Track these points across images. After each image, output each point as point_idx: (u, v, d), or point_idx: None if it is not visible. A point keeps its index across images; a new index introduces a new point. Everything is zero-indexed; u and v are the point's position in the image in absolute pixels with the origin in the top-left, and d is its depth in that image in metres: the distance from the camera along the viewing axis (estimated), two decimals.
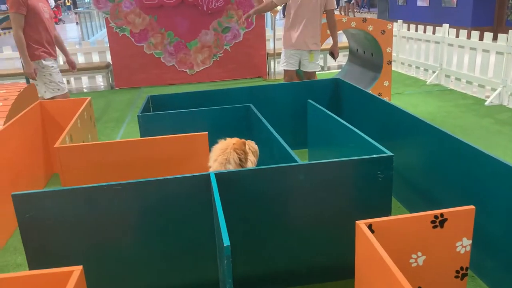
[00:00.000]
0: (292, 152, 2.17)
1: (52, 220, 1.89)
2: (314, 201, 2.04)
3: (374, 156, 2.07)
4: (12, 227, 2.87)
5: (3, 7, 22.20)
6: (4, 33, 18.93)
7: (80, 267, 1.33)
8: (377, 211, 2.12)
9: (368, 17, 5.28)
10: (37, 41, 3.90)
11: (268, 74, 7.33)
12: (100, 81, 7.66)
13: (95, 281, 1.90)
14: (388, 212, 2.15)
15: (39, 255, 1.93)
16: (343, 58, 8.09)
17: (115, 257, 2.00)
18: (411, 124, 2.74)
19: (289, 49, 4.35)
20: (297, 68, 4.47)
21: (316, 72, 4.54)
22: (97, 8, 6.79)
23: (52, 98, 4.03)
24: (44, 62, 3.99)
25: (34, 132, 3.46)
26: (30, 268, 1.93)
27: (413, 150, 2.75)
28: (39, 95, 4.15)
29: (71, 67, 4.37)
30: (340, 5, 17.83)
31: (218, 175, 1.94)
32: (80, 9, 17.35)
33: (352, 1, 17.24)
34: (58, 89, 4.08)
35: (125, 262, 2.01)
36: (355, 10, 17.45)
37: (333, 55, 4.52)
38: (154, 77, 7.13)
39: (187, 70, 7.23)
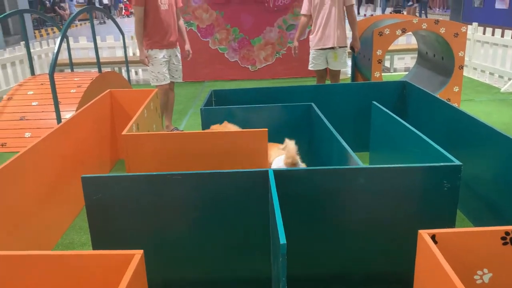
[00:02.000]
0: (354, 154, 2.12)
1: (117, 204, 1.98)
2: (374, 206, 1.98)
3: (442, 164, 1.97)
4: (79, 207, 3.05)
5: (81, 0, 23.57)
6: (80, 24, 20.09)
7: (141, 251, 1.38)
8: (440, 222, 2.02)
9: (441, 19, 5.05)
10: (148, 32, 4.15)
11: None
12: None
13: (153, 265, 1.97)
14: (452, 224, 2.04)
15: (103, 235, 2.03)
16: (410, 60, 7.82)
17: (172, 243, 2.06)
18: (482, 133, 2.59)
19: (313, 49, 4.57)
20: (324, 67, 4.63)
21: (382, 74, 4.46)
22: None
23: (157, 86, 4.24)
24: (150, 52, 4.20)
25: (103, 119, 3.65)
26: (94, 248, 2.04)
27: (483, 160, 2.59)
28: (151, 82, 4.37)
29: (184, 57, 4.57)
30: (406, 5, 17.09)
31: (277, 172, 1.94)
32: None
33: (414, 5, 16.06)
34: (158, 79, 4.26)
35: (181, 249, 2.06)
36: (416, 14, 16.22)
37: (354, 49, 4.63)
38: (217, 72, 7.26)
39: (249, 66, 7.29)
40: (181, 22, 4.51)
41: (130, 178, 1.97)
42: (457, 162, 2.00)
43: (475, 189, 2.66)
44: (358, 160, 2.06)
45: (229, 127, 2.80)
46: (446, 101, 3.15)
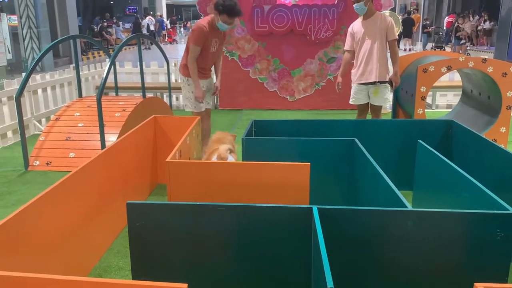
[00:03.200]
0: (401, 196, 2.06)
1: (159, 231, 1.99)
2: (422, 252, 1.90)
3: (495, 212, 1.88)
4: (118, 230, 3.08)
5: (127, 25, 24.62)
6: (125, 49, 20.88)
7: (185, 285, 1.36)
8: (491, 274, 1.92)
9: (486, 56, 4.94)
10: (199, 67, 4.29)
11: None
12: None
13: None
14: (504, 276, 1.93)
15: (143, 262, 2.03)
16: (453, 97, 7.66)
17: (210, 275, 2.03)
18: None
19: (354, 83, 4.61)
20: (365, 102, 4.62)
21: (424, 111, 4.40)
22: None
23: (192, 113, 4.39)
24: (190, 79, 4.34)
25: (146, 143, 3.72)
26: (133, 274, 2.04)
27: None
28: (185, 108, 4.50)
29: (214, 91, 4.67)
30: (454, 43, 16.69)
31: (321, 210, 1.90)
32: None
33: (466, 43, 15.70)
34: (195, 107, 4.40)
35: (220, 282, 2.04)
36: (467, 53, 15.66)
37: (391, 84, 4.58)
38: (255, 100, 7.33)
39: (288, 97, 7.33)
40: (221, 61, 4.66)
41: (174, 207, 1.98)
42: (511, 210, 1.90)
43: None
44: (406, 202, 2.00)
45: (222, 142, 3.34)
46: (495, 143, 3.04)
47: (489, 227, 1.87)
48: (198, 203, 1.96)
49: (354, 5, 4.45)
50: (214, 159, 3.13)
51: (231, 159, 3.14)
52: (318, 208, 1.90)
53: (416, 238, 1.89)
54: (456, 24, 16.37)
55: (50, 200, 2.22)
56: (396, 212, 1.88)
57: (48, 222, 2.22)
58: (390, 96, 4.64)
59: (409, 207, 1.95)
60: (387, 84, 4.51)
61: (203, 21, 4.18)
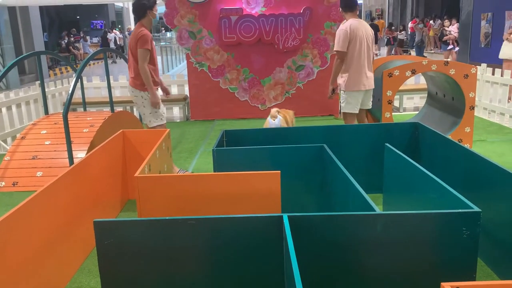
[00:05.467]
0: (370, 200, 2.09)
1: (129, 249, 1.95)
2: (391, 254, 1.93)
3: (460, 210, 1.93)
4: (89, 249, 3.01)
5: (95, 40, 24.30)
6: (93, 64, 20.58)
7: None
8: (460, 271, 1.96)
9: (449, 60, 5.09)
10: (151, 73, 4.20)
11: (340, 113, 7.25)
12: (176, 112, 8.02)
13: None
14: (472, 273, 1.97)
15: (114, 281, 1.99)
16: (419, 100, 7.85)
17: None
18: (497, 175, 2.54)
19: (352, 90, 4.52)
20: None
21: (392, 114, 4.50)
22: (180, 44, 7.18)
23: (155, 127, 4.30)
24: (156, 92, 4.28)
25: (115, 159, 3.66)
26: None
27: (501, 204, 2.54)
28: (143, 123, 4.39)
29: (166, 94, 4.65)
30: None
31: (291, 218, 1.91)
32: (162, 43, 18.51)
33: (455, 48, 13.58)
34: (162, 119, 4.34)
35: None
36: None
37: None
38: (227, 110, 7.33)
39: (259, 105, 7.36)
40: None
41: (143, 223, 1.95)
42: (476, 209, 1.95)
43: (494, 234, 2.59)
44: (374, 205, 2.03)
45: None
46: (460, 144, 3.12)
47: (455, 226, 1.92)
48: (167, 218, 1.94)
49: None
50: (268, 119, 4.37)
51: (279, 118, 4.29)
52: (288, 216, 1.91)
53: (385, 241, 1.92)
54: (440, 28, 15.43)
55: (15, 222, 2.16)
56: (364, 216, 1.91)
57: (15, 244, 2.15)
58: (343, 103, 4.70)
59: (378, 210, 1.98)
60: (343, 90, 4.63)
61: (140, 28, 4.13)
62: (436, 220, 1.93)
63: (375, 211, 2.00)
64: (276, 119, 4.28)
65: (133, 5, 4.23)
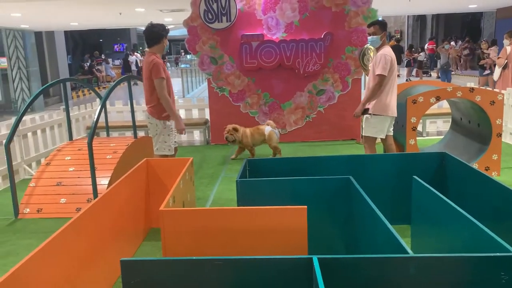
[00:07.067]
0: (401, 239, 2.02)
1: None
2: None
3: (498, 254, 1.85)
4: (111, 283, 2.98)
5: (117, 62, 24.80)
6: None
7: None
8: None
9: (472, 85, 5.02)
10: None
11: (362, 137, 7.18)
12: (197, 135, 8.07)
13: None
14: None
15: None
16: (442, 124, 7.74)
17: None
18: None
19: (383, 115, 4.54)
20: None
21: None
22: (201, 70, 7.26)
23: (161, 155, 4.37)
24: (167, 123, 4.38)
25: (139, 188, 3.67)
26: None
27: None
28: (157, 152, 4.48)
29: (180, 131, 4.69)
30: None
31: (321, 260, 1.85)
32: (182, 66, 18.81)
33: (489, 72, 11.33)
34: (169, 150, 4.42)
35: None
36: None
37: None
38: None
39: (279, 130, 7.34)
40: None
41: (170, 263, 1.93)
42: None
43: None
44: (407, 247, 1.96)
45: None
46: (490, 176, 3.03)
47: (493, 270, 1.83)
48: (194, 258, 1.91)
49: (369, 37, 4.55)
50: (267, 128, 6.15)
51: (276, 131, 6.23)
52: (318, 258, 1.86)
53: (419, 285, 1.85)
54: (478, 50, 14.10)
55: (40, 259, 2.15)
56: (398, 259, 1.84)
57: (40, 281, 2.14)
58: (369, 127, 4.68)
59: (411, 252, 1.91)
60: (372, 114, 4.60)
61: (151, 56, 4.20)
62: (472, 264, 1.85)
63: (407, 252, 1.94)
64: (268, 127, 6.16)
65: (148, 31, 4.28)
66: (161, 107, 4.27)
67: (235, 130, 6.03)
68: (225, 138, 6.05)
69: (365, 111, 4.63)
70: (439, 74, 14.40)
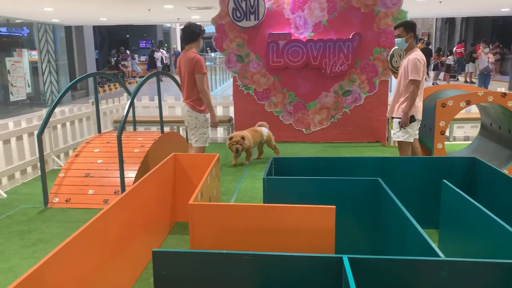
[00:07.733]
0: (432, 243, 2.00)
1: (185, 280, 1.95)
2: None
3: None
4: (137, 274, 3.03)
5: (142, 58, 25.13)
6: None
7: None
8: None
9: (503, 90, 4.90)
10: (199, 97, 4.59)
11: (387, 140, 7.11)
12: (221, 133, 8.12)
13: None
14: None
15: None
16: (470, 129, 7.59)
17: None
18: None
19: (419, 119, 4.48)
20: None
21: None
22: (227, 68, 7.30)
23: (198, 148, 4.64)
24: (207, 116, 4.64)
25: (166, 182, 3.72)
26: None
27: None
28: (189, 141, 4.76)
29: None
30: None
31: (352, 260, 1.85)
32: (207, 63, 18.94)
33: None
34: (206, 141, 4.71)
35: None
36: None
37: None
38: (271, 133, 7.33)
39: (304, 129, 7.33)
40: None
41: (200, 255, 1.95)
42: None
43: None
44: (438, 250, 1.94)
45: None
46: None
47: None
48: (224, 251, 1.93)
49: (396, 39, 4.53)
50: (264, 129, 6.19)
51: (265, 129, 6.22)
52: (348, 257, 1.85)
53: None
54: (509, 54, 13.54)
55: (70, 251, 2.18)
56: (430, 262, 1.83)
57: (69, 272, 2.19)
58: (400, 132, 4.55)
59: (443, 256, 1.89)
60: (398, 120, 4.50)
61: (192, 53, 4.47)
62: (506, 270, 1.82)
63: (438, 255, 1.92)
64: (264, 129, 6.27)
65: (188, 30, 4.57)
66: (201, 101, 4.54)
67: (243, 138, 5.72)
68: (235, 150, 5.71)
69: (412, 118, 4.46)
70: (478, 80, 13.56)
